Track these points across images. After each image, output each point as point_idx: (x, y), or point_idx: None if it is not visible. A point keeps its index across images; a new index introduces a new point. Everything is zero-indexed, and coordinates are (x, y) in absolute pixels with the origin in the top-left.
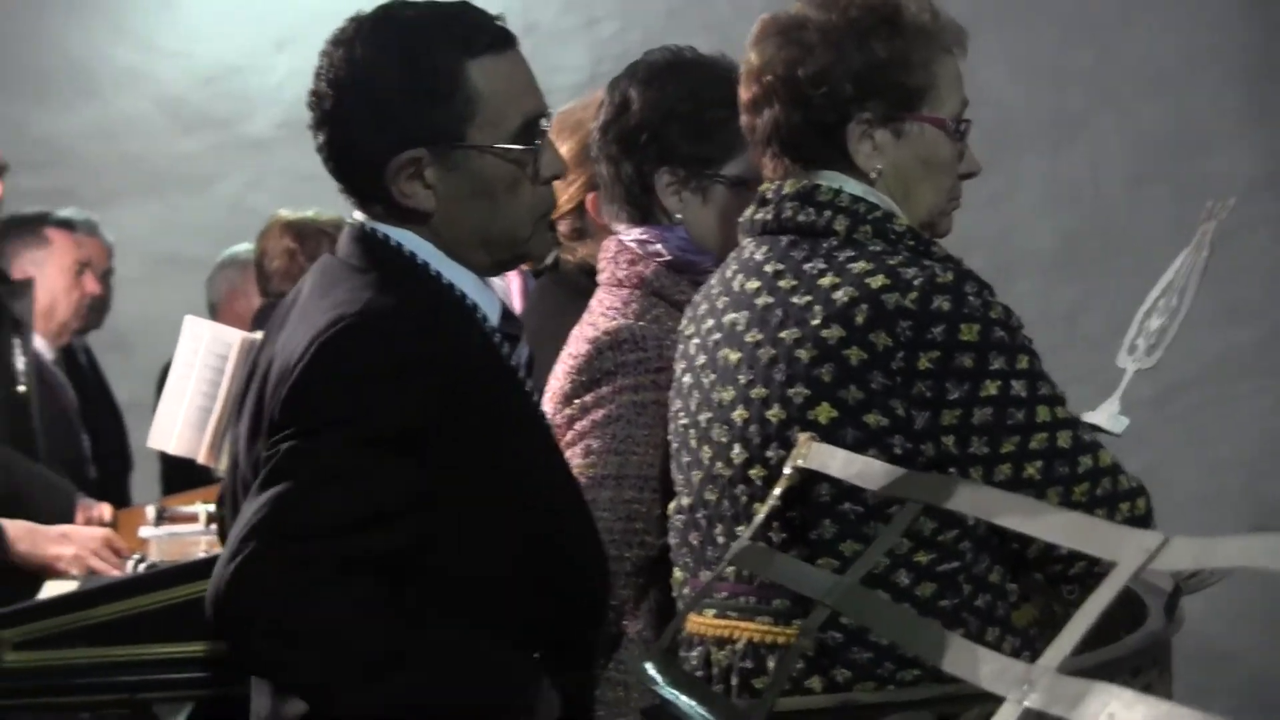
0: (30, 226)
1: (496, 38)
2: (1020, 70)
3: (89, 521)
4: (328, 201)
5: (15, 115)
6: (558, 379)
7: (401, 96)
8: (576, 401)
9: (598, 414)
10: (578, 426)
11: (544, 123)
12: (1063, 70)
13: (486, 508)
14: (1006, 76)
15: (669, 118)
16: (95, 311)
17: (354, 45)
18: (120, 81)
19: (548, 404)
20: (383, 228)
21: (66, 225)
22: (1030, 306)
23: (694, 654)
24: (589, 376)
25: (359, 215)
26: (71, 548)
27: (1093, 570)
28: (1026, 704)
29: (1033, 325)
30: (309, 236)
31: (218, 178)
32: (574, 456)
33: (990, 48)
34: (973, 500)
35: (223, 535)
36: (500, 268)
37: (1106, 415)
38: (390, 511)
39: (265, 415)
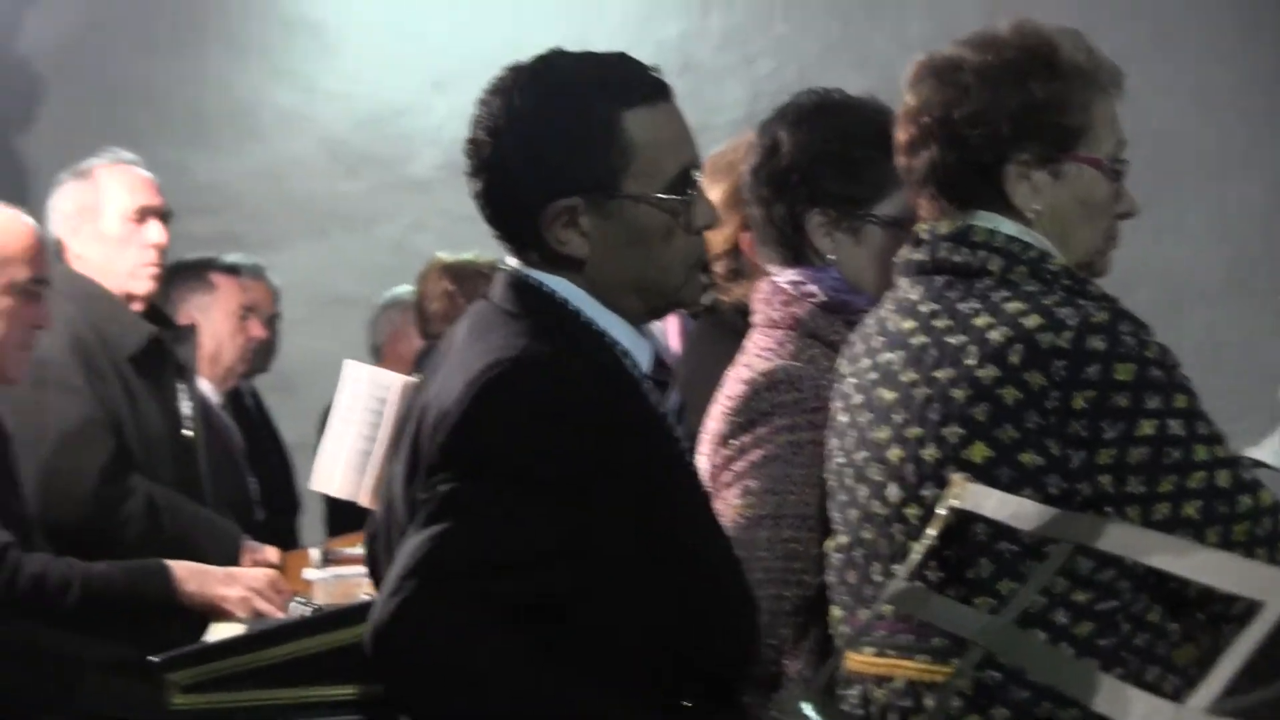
0: (196, 272)
1: (652, 89)
2: (1186, 98)
3: (255, 564)
4: (489, 243)
5: (179, 160)
6: (714, 420)
7: (559, 145)
8: (733, 442)
9: (755, 454)
10: (735, 467)
11: (695, 173)
12: (1229, 97)
13: (635, 554)
14: (1172, 106)
15: (818, 159)
16: (261, 355)
17: (512, 94)
18: (282, 124)
19: (704, 445)
20: (536, 274)
21: (231, 270)
22: (1199, 338)
23: (853, 692)
24: (745, 418)
25: (512, 261)
26: (238, 589)
27: (1254, 610)
28: None
29: (1202, 357)
30: (468, 279)
31: (380, 219)
32: (732, 497)
33: (1155, 77)
34: (1124, 540)
35: (373, 574)
36: (652, 315)
37: (1271, 450)
38: (546, 555)
39: (422, 458)
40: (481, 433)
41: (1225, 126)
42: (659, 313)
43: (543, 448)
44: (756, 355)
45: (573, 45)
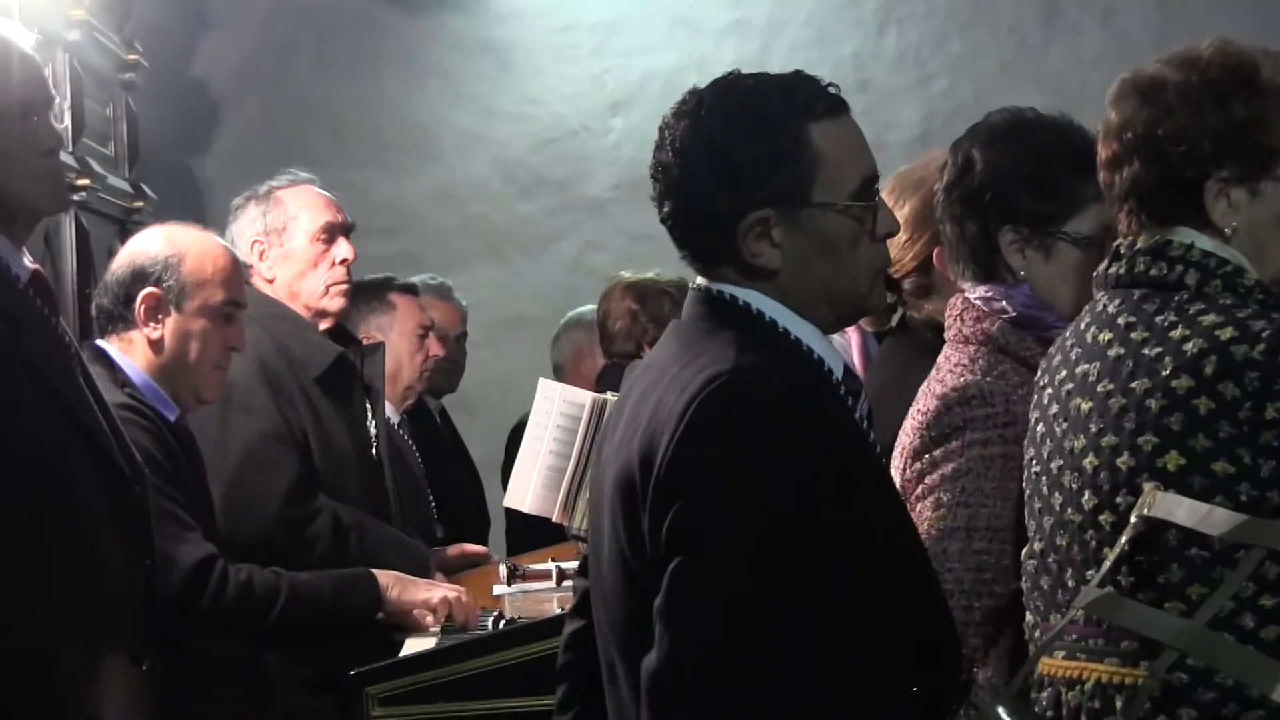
0: (375, 292)
1: (832, 103)
2: None
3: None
4: (665, 260)
5: (358, 182)
6: (907, 435)
7: (750, 160)
8: (926, 456)
9: (947, 468)
10: (927, 481)
11: (876, 183)
12: None
13: (854, 560)
14: None
15: (1011, 178)
16: (446, 375)
17: (698, 115)
18: (460, 146)
19: (896, 459)
20: (728, 288)
21: (409, 290)
22: None
23: (1044, 695)
24: (938, 432)
25: (701, 280)
26: (438, 597)
27: None
28: None
29: None
30: (650, 297)
31: (557, 239)
32: (924, 510)
33: None
34: None
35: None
36: (840, 323)
37: None
38: (789, 567)
39: (643, 482)
40: (709, 446)
41: None
42: (846, 321)
43: (771, 456)
44: (949, 371)
45: (749, 67)
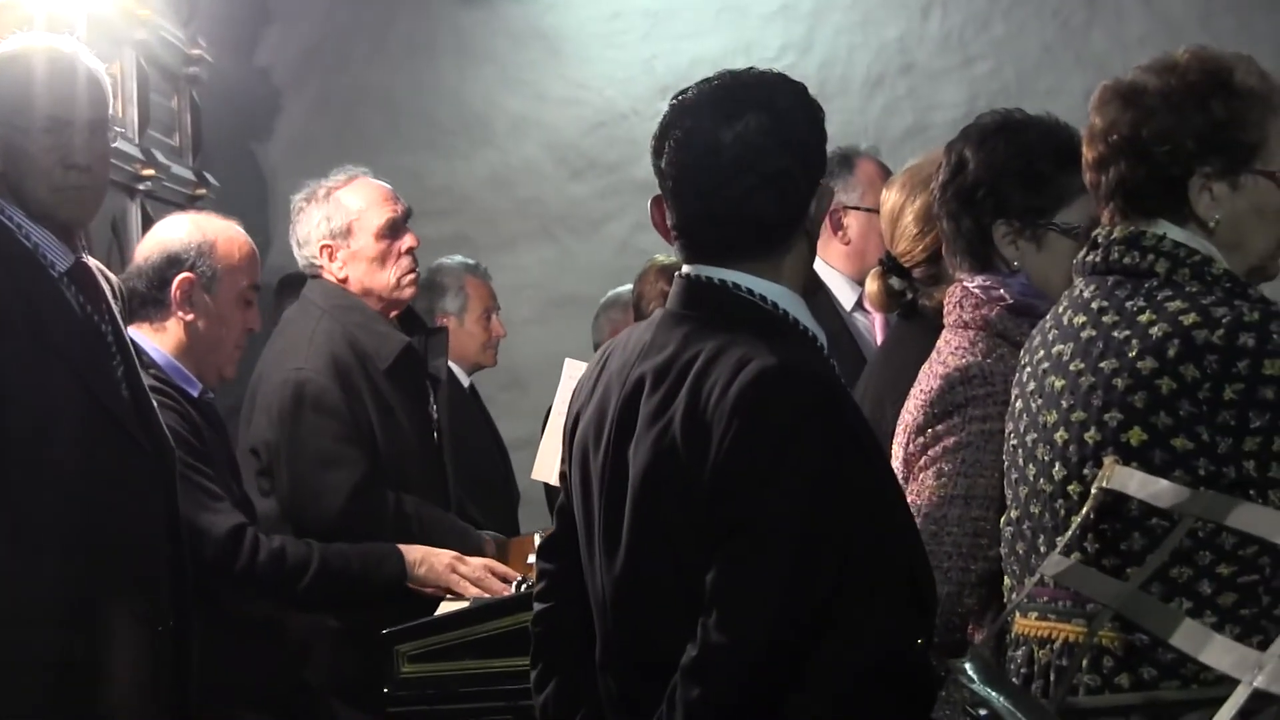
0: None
1: None
2: None
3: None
4: None
5: (414, 165)
6: (910, 413)
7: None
8: (929, 431)
9: (949, 441)
10: (930, 453)
11: None
12: None
13: (877, 535)
14: None
15: (1002, 173)
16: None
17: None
18: (513, 130)
19: (900, 435)
20: (726, 274)
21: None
22: None
23: (1020, 653)
24: (941, 409)
25: (687, 268)
26: (464, 573)
27: None
28: (1256, 685)
29: None
30: None
31: (607, 220)
32: (926, 479)
33: None
34: (1248, 518)
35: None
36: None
37: None
38: (832, 544)
39: (695, 467)
40: (763, 435)
41: None
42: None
43: (818, 444)
44: (950, 353)
45: (795, 51)
